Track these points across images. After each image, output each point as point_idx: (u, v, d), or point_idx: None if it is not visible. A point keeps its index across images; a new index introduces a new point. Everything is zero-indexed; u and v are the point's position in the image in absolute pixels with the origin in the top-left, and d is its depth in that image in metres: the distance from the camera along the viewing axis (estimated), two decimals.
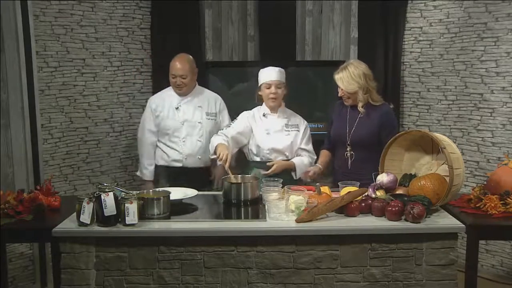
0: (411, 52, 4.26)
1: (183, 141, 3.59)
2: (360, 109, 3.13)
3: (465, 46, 3.95)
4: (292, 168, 3.31)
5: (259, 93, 3.37)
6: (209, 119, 3.65)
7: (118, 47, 4.20)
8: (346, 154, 3.18)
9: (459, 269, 2.53)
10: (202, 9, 4.48)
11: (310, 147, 3.44)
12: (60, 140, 3.94)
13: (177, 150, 3.60)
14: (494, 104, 3.82)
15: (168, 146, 3.62)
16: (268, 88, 3.29)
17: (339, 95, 3.19)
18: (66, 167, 3.98)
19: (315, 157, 3.43)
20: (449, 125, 4.10)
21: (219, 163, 3.16)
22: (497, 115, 3.81)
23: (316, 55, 4.56)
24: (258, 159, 3.35)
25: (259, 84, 3.35)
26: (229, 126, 3.37)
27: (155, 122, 3.63)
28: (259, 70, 3.38)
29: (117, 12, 4.16)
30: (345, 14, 4.48)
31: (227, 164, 3.04)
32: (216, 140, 3.24)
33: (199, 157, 3.63)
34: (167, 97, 3.65)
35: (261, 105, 3.42)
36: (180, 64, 3.54)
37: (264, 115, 3.38)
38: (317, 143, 4.45)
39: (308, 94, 4.37)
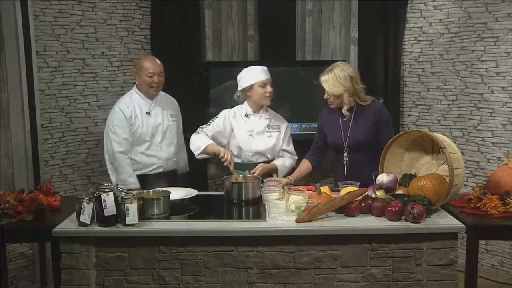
0: (411, 52, 4.26)
1: (160, 147, 3.48)
2: (345, 112, 3.08)
3: (465, 46, 3.95)
4: (274, 170, 3.28)
5: (247, 94, 3.27)
6: (173, 120, 3.57)
7: (118, 47, 4.19)
8: (344, 160, 3.14)
9: (459, 269, 2.53)
10: (202, 9, 4.48)
11: (291, 147, 3.39)
12: (60, 140, 3.94)
13: (156, 157, 3.46)
14: (494, 104, 3.82)
15: (146, 155, 3.44)
16: (263, 87, 3.23)
17: (324, 97, 3.13)
18: (66, 167, 3.98)
19: (296, 158, 3.39)
20: (449, 125, 4.10)
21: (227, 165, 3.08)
22: (497, 115, 3.81)
23: (316, 55, 4.56)
24: (239, 161, 3.29)
25: (248, 84, 3.24)
26: (209, 125, 3.29)
27: (130, 131, 3.40)
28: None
29: (117, 12, 4.16)
30: (345, 14, 4.47)
31: (232, 165, 3.04)
32: (203, 140, 3.19)
33: (175, 159, 3.59)
34: (135, 102, 3.45)
35: (242, 104, 3.35)
36: (155, 62, 3.41)
37: (246, 115, 3.31)
38: None
39: (307, 94, 4.37)
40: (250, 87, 3.25)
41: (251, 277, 2.48)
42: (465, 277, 2.65)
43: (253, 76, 3.25)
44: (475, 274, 2.67)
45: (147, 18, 4.33)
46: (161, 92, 3.57)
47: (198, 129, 3.29)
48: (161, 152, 3.49)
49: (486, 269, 3.92)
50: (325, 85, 3.07)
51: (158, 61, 3.45)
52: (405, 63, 4.30)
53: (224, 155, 3.05)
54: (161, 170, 3.50)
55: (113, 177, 3.43)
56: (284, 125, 3.38)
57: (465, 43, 3.94)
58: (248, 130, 3.28)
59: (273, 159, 3.35)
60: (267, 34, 4.48)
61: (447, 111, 4.10)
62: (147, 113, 3.45)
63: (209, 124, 3.29)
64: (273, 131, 3.33)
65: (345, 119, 3.13)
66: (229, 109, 3.38)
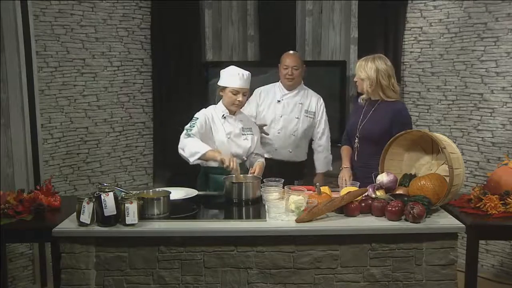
0: (411, 52, 4.26)
1: (278, 133, 3.77)
2: (360, 101, 3.26)
3: (465, 46, 3.95)
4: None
5: (220, 93, 3.16)
6: (307, 116, 3.81)
7: (118, 47, 4.19)
8: (355, 145, 3.24)
9: (459, 269, 2.53)
10: (202, 9, 4.48)
11: (261, 150, 3.41)
12: (60, 140, 3.94)
13: (269, 144, 3.75)
14: (494, 104, 3.82)
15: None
16: (235, 94, 3.10)
17: (354, 79, 3.31)
18: (66, 167, 3.98)
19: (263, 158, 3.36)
20: (449, 125, 4.10)
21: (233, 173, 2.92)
22: (497, 115, 3.81)
23: (316, 55, 4.56)
24: (215, 164, 3.06)
25: (222, 84, 3.13)
26: (194, 126, 3.02)
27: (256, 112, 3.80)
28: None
29: (117, 12, 4.16)
30: (345, 14, 4.47)
31: (239, 171, 2.91)
32: (199, 145, 2.93)
33: (290, 150, 3.80)
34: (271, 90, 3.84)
35: (216, 104, 3.22)
36: (292, 56, 3.78)
37: (223, 117, 3.17)
38: None
39: None
40: (224, 88, 3.14)
41: (251, 277, 2.48)
42: (465, 277, 2.65)
43: (229, 79, 3.12)
44: (475, 274, 2.67)
45: (147, 18, 4.33)
46: (309, 89, 3.95)
47: (187, 131, 3.01)
48: (277, 140, 3.84)
49: (486, 269, 3.92)
50: (355, 67, 3.28)
51: (295, 56, 3.84)
52: (405, 63, 4.30)
53: (229, 163, 2.87)
54: (269, 156, 3.75)
55: None
56: (255, 128, 3.36)
57: (465, 43, 3.94)
58: (226, 132, 3.15)
59: (246, 160, 3.26)
60: (267, 34, 4.48)
61: (447, 111, 4.10)
62: (278, 101, 3.85)
63: (194, 126, 3.03)
64: (248, 134, 3.24)
65: (367, 109, 3.23)
66: (205, 109, 3.21)
